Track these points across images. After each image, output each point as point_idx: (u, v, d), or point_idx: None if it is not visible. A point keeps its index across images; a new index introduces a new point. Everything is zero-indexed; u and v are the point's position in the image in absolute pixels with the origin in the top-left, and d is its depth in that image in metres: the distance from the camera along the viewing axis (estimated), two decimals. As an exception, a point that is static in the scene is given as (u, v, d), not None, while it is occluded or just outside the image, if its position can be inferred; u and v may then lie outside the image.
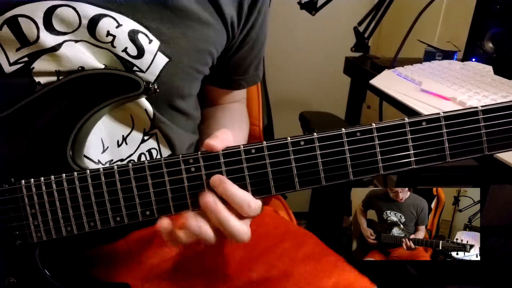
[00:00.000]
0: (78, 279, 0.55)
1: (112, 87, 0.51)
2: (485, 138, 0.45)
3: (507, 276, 1.42)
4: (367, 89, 1.17)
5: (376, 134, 0.46)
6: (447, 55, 1.16)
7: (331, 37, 1.80)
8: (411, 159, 0.46)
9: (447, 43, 1.27)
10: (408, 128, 0.46)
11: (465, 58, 1.14)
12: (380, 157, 0.46)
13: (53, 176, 0.50)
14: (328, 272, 0.58)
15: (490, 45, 1.08)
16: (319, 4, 1.29)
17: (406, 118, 0.46)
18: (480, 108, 0.45)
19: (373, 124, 0.46)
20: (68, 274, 0.54)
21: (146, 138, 0.61)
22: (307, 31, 1.81)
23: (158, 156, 0.63)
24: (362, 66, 1.24)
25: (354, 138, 0.46)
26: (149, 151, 0.62)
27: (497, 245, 1.53)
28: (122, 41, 0.53)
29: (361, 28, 1.32)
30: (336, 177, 0.47)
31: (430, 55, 1.17)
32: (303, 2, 1.30)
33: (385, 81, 1.03)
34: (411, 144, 0.46)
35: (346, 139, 0.46)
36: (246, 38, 0.66)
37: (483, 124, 0.45)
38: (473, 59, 1.12)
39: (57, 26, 0.51)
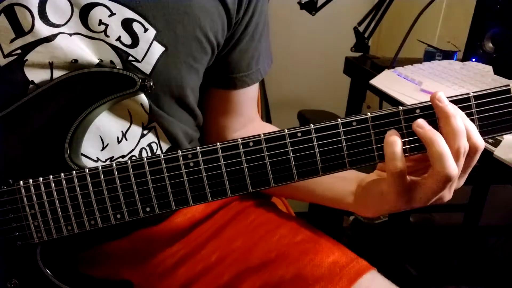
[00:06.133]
0: (80, 278, 0.55)
1: (108, 85, 0.51)
2: (477, 124, 0.47)
3: (507, 276, 1.42)
4: (367, 89, 1.17)
5: (371, 123, 0.47)
6: (447, 55, 1.16)
7: (331, 37, 1.80)
8: (406, 147, 0.47)
9: (447, 43, 1.27)
10: (402, 116, 0.47)
11: (465, 58, 1.14)
12: (375, 146, 0.47)
13: (51, 176, 0.50)
14: (326, 252, 0.58)
15: (490, 45, 1.08)
16: (319, 4, 1.29)
17: (400, 107, 0.47)
18: (472, 94, 0.47)
19: (368, 113, 0.47)
20: (70, 273, 0.54)
21: (145, 132, 0.60)
22: (307, 31, 1.82)
23: (159, 150, 0.63)
24: (362, 66, 1.24)
25: (350, 128, 0.47)
26: (149, 145, 0.62)
27: (497, 245, 1.53)
28: (115, 30, 0.52)
29: (361, 28, 1.32)
30: (333, 166, 0.48)
31: (430, 55, 1.17)
32: (303, 2, 1.30)
33: (385, 81, 1.03)
34: (405, 131, 0.47)
35: (342, 129, 0.47)
36: (248, 27, 0.64)
37: (475, 109, 0.47)
38: (473, 59, 1.12)
39: (51, 15, 0.50)
